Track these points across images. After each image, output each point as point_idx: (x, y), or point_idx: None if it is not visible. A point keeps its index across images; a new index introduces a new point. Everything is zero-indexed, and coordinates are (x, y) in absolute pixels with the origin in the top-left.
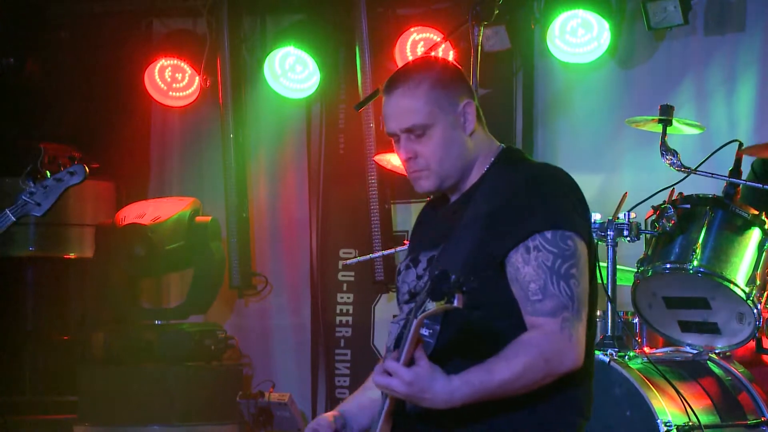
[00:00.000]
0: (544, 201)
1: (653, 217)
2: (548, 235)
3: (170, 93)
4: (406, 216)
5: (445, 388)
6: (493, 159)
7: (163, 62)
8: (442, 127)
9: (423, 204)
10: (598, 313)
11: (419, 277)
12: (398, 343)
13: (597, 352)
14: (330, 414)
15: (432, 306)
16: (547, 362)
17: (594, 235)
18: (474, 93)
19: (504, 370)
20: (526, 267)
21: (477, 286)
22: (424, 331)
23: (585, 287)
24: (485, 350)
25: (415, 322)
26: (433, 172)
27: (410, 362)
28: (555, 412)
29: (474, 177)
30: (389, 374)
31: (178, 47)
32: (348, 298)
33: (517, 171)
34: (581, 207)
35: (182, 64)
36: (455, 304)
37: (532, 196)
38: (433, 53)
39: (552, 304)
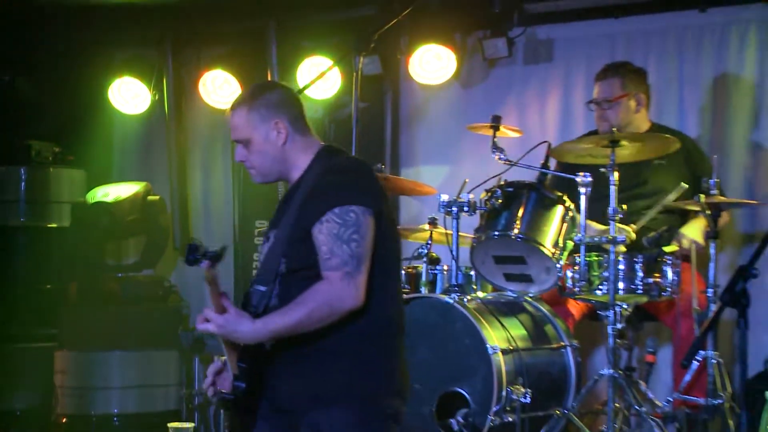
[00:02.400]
0: (336, 185)
1: (486, 198)
2: (336, 210)
3: (128, 104)
4: None
5: (249, 328)
6: (313, 156)
7: (122, 80)
8: (257, 140)
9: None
10: (444, 267)
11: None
12: (245, 301)
13: (443, 296)
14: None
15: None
16: (331, 305)
17: (441, 210)
18: (292, 111)
19: (296, 312)
20: (321, 235)
21: (221, 251)
22: (262, 288)
23: (366, 247)
24: None
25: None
26: (257, 171)
27: (223, 310)
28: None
29: (300, 170)
30: (207, 321)
31: (134, 69)
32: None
33: (324, 163)
34: (368, 188)
35: (137, 82)
36: (202, 266)
37: (328, 181)
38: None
39: (336, 261)
